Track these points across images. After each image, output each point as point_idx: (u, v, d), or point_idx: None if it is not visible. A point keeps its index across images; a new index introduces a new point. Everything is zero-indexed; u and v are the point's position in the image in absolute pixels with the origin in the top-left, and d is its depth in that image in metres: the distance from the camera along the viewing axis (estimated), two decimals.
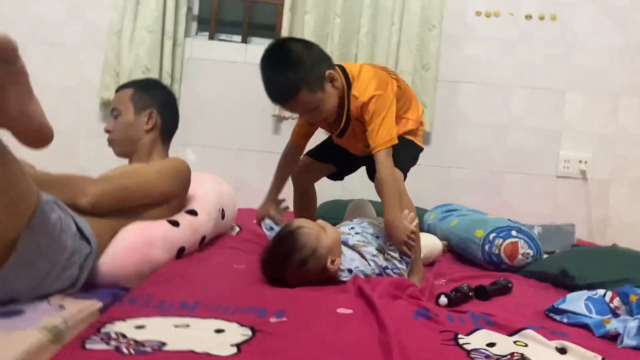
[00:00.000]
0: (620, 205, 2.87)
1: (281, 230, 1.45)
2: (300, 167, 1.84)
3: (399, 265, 1.49)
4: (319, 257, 1.38)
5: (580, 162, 2.85)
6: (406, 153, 1.68)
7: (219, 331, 1.01)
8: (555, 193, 2.88)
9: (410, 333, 1.07)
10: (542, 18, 2.84)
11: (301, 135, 1.80)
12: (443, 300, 1.29)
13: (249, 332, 1.01)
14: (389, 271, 1.48)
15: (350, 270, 1.44)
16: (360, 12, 2.73)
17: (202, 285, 1.32)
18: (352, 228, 1.57)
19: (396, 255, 1.50)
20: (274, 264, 1.38)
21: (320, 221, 1.48)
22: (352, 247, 1.49)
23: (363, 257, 1.48)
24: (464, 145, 2.86)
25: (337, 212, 2.31)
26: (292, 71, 1.50)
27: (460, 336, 1.08)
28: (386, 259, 1.50)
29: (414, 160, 1.74)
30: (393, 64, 2.70)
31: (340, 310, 1.18)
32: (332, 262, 1.40)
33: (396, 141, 1.57)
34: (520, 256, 1.75)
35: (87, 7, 2.80)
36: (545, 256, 1.85)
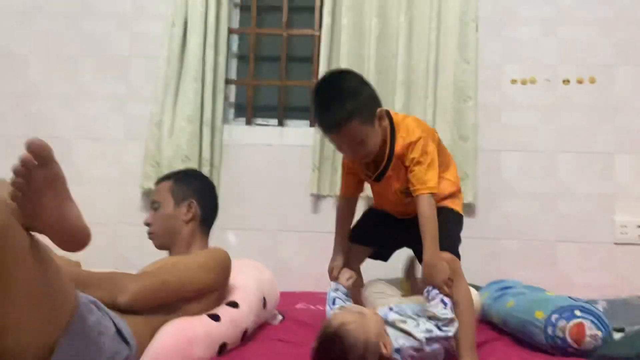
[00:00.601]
0: None
1: (323, 329, 1.36)
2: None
3: (442, 312, 1.41)
4: (373, 348, 1.31)
5: (639, 226, 2.68)
6: (453, 229, 1.64)
7: None
8: (614, 261, 2.70)
9: None
10: (580, 82, 2.78)
11: (351, 187, 1.79)
12: None
13: None
14: (435, 333, 1.39)
15: (397, 350, 1.37)
16: (393, 88, 2.73)
17: None
18: (391, 309, 1.49)
19: (436, 307, 1.42)
20: None
21: (355, 306, 1.42)
22: (392, 325, 1.43)
23: (404, 331, 1.40)
24: (511, 215, 2.75)
25: None
26: (349, 100, 1.51)
27: None
28: (429, 320, 1.41)
29: (459, 232, 1.70)
30: None
31: None
32: (384, 345, 1.33)
33: (437, 190, 1.58)
34: (587, 338, 1.60)
35: (129, 101, 2.90)
36: (615, 335, 1.69)
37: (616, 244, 2.70)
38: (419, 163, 1.57)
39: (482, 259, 2.67)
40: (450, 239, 1.60)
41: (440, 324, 1.39)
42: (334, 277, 1.72)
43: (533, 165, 2.76)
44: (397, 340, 1.38)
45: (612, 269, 2.69)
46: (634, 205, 2.71)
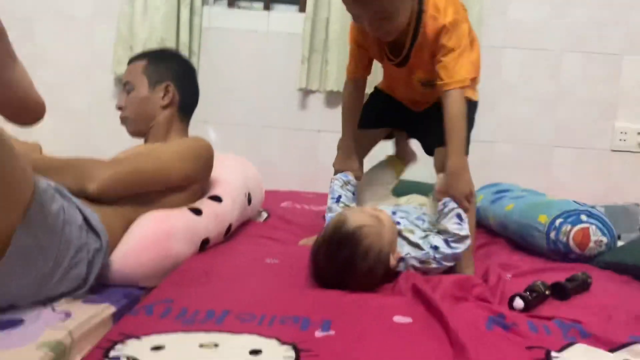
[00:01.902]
0: None
1: (337, 228, 1.18)
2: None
3: (456, 228, 1.26)
4: (384, 258, 1.18)
5: (639, 133, 2.58)
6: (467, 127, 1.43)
7: (255, 352, 0.82)
8: (610, 169, 2.62)
9: (489, 350, 0.86)
10: None
11: (361, 67, 1.53)
12: (519, 303, 1.08)
13: (291, 354, 0.82)
14: (443, 249, 1.25)
15: (402, 259, 1.24)
16: None
17: (231, 287, 1.13)
18: (394, 213, 1.36)
19: (450, 221, 1.28)
20: (332, 271, 1.15)
21: (371, 210, 1.27)
22: (400, 233, 1.28)
23: (411, 242, 1.27)
24: (509, 117, 2.61)
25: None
26: None
27: (554, 354, 0.86)
28: (437, 233, 1.28)
29: (473, 123, 1.51)
30: None
31: (398, 319, 0.98)
32: (394, 257, 1.21)
33: (473, 92, 1.42)
34: (592, 244, 1.52)
35: None
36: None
37: (613, 150, 2.62)
38: (451, 51, 1.32)
39: (475, 161, 2.54)
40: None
41: (450, 239, 1.25)
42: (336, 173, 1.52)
43: (536, 64, 2.60)
44: (402, 247, 1.25)
45: (607, 176, 2.62)
46: (637, 111, 2.59)
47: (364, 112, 1.58)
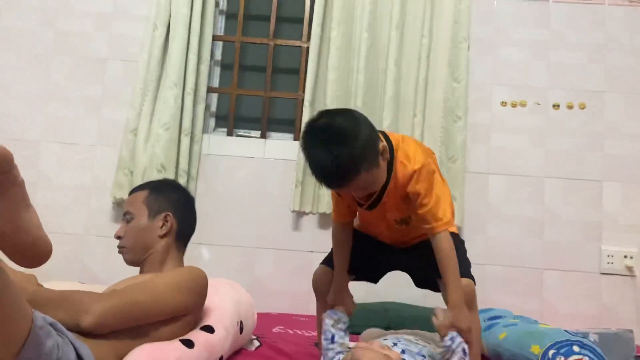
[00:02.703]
0: None
1: None
2: (321, 277, 1.63)
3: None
4: None
5: (626, 257, 2.63)
6: (461, 252, 1.52)
7: None
8: (600, 292, 2.64)
9: None
10: (570, 107, 2.74)
11: (344, 211, 1.58)
12: None
13: None
14: None
15: None
16: (382, 104, 2.65)
17: None
18: (395, 345, 1.37)
19: (455, 356, 1.32)
20: None
21: (381, 349, 1.27)
22: None
23: None
24: (497, 240, 2.67)
25: (364, 318, 2.10)
26: (350, 149, 1.28)
27: None
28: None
29: (466, 253, 1.59)
30: None
31: None
32: None
33: (453, 226, 1.47)
34: None
35: (104, 105, 2.76)
36: None
37: (602, 273, 2.65)
38: (428, 196, 1.41)
39: None
40: (463, 264, 1.48)
41: None
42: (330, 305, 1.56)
43: (520, 189, 2.71)
44: None
45: (597, 299, 2.63)
46: (621, 235, 2.66)
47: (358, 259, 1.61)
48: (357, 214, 1.61)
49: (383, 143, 1.39)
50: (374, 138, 1.37)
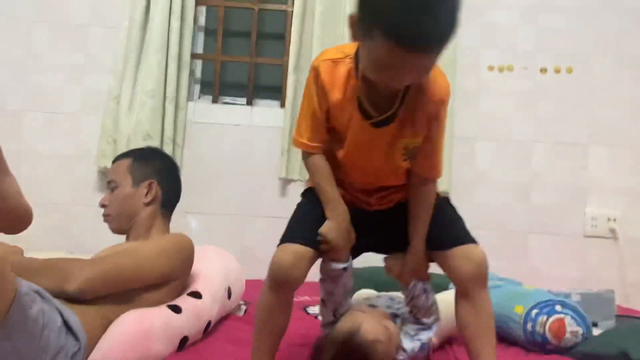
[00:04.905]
0: None
1: (350, 337, 1.18)
2: (298, 262, 1.18)
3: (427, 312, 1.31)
4: None
5: (609, 219, 2.67)
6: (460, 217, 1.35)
7: None
8: (584, 254, 2.68)
9: None
10: (557, 71, 2.73)
11: (324, 139, 1.24)
12: None
13: None
14: (422, 339, 1.30)
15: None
16: None
17: None
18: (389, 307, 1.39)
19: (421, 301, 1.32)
20: None
21: (381, 318, 1.26)
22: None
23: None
24: (484, 205, 2.69)
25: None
26: (457, 9, 1.00)
27: None
28: (414, 323, 1.32)
29: None
30: None
31: None
32: None
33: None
34: (568, 335, 1.54)
35: (86, 72, 2.70)
36: (593, 330, 1.64)
37: (586, 236, 2.69)
38: (438, 138, 1.20)
39: None
40: (466, 229, 1.31)
41: (424, 325, 1.29)
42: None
43: (507, 154, 2.72)
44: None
45: (581, 261, 2.67)
46: (605, 199, 2.69)
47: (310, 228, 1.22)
48: (344, 151, 1.24)
49: None
50: None
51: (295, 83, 2.61)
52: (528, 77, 2.74)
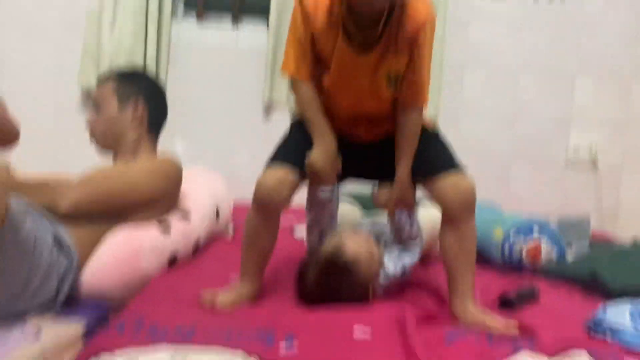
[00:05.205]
0: (633, 193, 2.75)
1: (333, 255, 1.20)
2: (280, 185, 1.21)
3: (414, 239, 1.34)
4: (366, 288, 1.22)
5: (591, 149, 2.72)
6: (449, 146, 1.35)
7: None
8: (565, 182, 2.75)
9: None
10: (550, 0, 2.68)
11: (311, 67, 1.24)
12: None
13: None
14: (406, 263, 1.33)
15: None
16: None
17: (199, 303, 1.17)
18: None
19: (407, 229, 1.35)
20: (317, 294, 1.19)
21: (365, 238, 1.27)
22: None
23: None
24: (470, 133, 2.72)
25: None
26: None
27: None
28: (401, 251, 1.35)
29: None
30: None
31: (358, 334, 1.03)
32: (373, 288, 1.26)
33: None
34: (543, 257, 1.62)
35: None
36: (567, 252, 1.72)
37: (567, 165, 2.74)
38: (422, 65, 1.17)
39: None
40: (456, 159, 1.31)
41: (410, 252, 1.34)
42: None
43: (496, 82, 2.71)
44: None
45: (562, 189, 2.74)
46: (589, 128, 2.73)
47: (295, 150, 1.26)
48: (328, 79, 1.25)
49: None
50: None
51: (280, 5, 2.54)
52: (520, 5, 2.69)
